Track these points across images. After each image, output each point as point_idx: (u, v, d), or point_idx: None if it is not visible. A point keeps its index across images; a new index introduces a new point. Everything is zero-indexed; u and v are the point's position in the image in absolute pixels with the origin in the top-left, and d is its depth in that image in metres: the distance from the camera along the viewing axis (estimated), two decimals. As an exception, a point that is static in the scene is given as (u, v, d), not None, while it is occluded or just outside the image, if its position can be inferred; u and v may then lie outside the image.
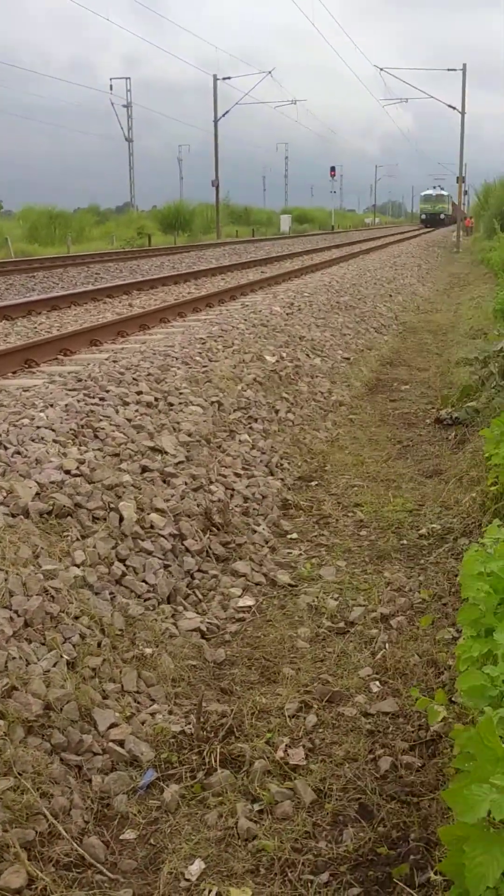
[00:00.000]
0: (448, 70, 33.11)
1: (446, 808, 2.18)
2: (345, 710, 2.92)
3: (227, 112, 38.42)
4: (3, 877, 2.10)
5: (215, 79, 37.57)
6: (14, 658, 2.73)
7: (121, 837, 2.38)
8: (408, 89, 67.84)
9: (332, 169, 55.39)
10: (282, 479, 5.48)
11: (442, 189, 66.50)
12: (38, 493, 3.73)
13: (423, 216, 66.06)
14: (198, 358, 6.84)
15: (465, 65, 31.92)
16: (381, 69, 33.07)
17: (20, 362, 6.58)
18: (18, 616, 2.93)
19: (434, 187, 66.88)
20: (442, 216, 65.27)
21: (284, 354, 7.95)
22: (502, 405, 6.19)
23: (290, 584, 4.06)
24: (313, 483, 5.59)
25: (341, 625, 3.61)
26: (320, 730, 2.83)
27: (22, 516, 3.51)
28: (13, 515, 3.50)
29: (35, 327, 9.19)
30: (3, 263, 19.18)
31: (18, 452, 4.10)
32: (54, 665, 2.83)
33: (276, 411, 6.56)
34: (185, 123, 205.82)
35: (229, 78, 38.18)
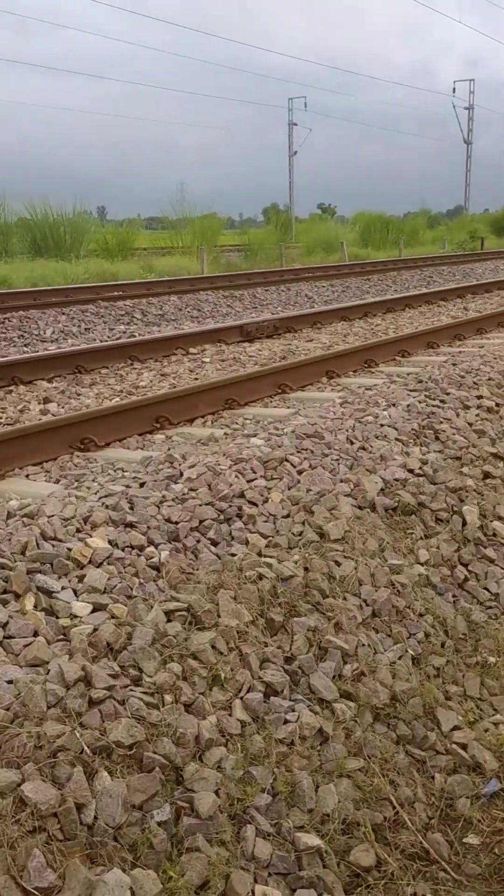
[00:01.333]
0: None
1: None
2: None
3: None
4: (353, 853, 2.18)
5: None
6: (363, 645, 2.82)
7: (464, 840, 2.36)
8: None
9: None
10: None
11: None
12: (382, 489, 3.81)
13: None
14: (541, 364, 6.53)
15: None
16: None
17: (360, 362, 6.78)
18: (367, 605, 3.02)
19: None
20: None
21: None
22: None
23: None
24: None
25: None
26: None
27: (369, 510, 3.62)
28: (360, 507, 3.61)
29: (372, 328, 9.41)
30: (339, 267, 19.90)
31: (364, 448, 4.22)
32: (399, 658, 2.88)
33: None
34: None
35: None
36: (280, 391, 5.86)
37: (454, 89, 46.17)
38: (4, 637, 2.37)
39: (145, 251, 23.30)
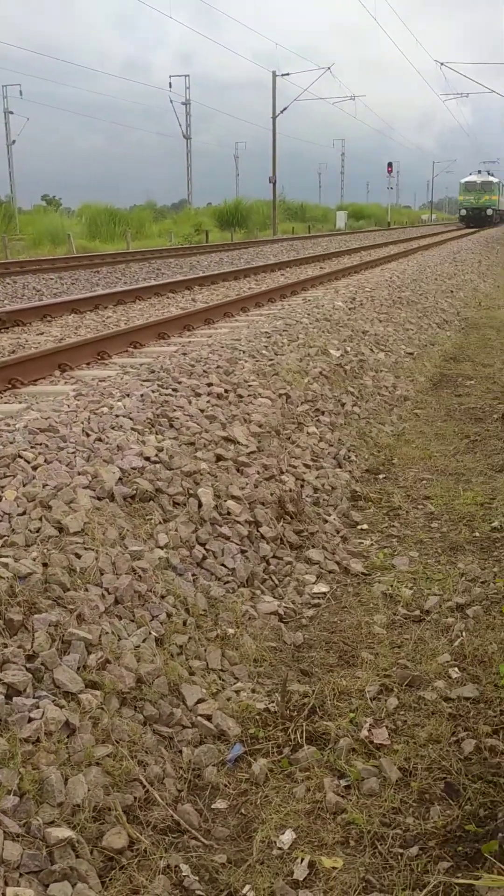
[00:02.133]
0: (511, 63, 32.58)
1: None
2: (425, 695, 2.96)
3: (285, 109, 38.43)
4: (105, 837, 2.20)
5: (274, 75, 37.59)
6: (107, 633, 2.84)
7: (213, 807, 2.47)
8: (468, 84, 65.50)
9: (390, 165, 54.95)
10: (350, 472, 5.52)
11: (491, 175, 51.26)
12: (120, 478, 3.84)
13: (464, 211, 50.48)
14: (264, 351, 6.91)
15: (528, 58, 31.42)
16: (442, 63, 32.69)
17: (93, 354, 6.74)
18: (109, 593, 3.04)
19: (479, 171, 52.03)
20: (490, 211, 49.16)
21: (349, 349, 7.98)
22: None
23: (363, 573, 4.11)
24: (381, 476, 5.62)
25: (417, 613, 3.65)
26: (402, 712, 2.88)
27: (108, 499, 3.63)
28: (99, 498, 3.61)
29: (103, 320, 9.38)
30: (67, 259, 19.53)
31: (100, 439, 4.22)
32: (144, 641, 2.93)
33: (343, 405, 6.60)
34: (241, 120, 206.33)
35: (288, 74, 38.20)
36: (10, 386, 5.67)
37: (170, 84, 46.70)
38: None
39: None
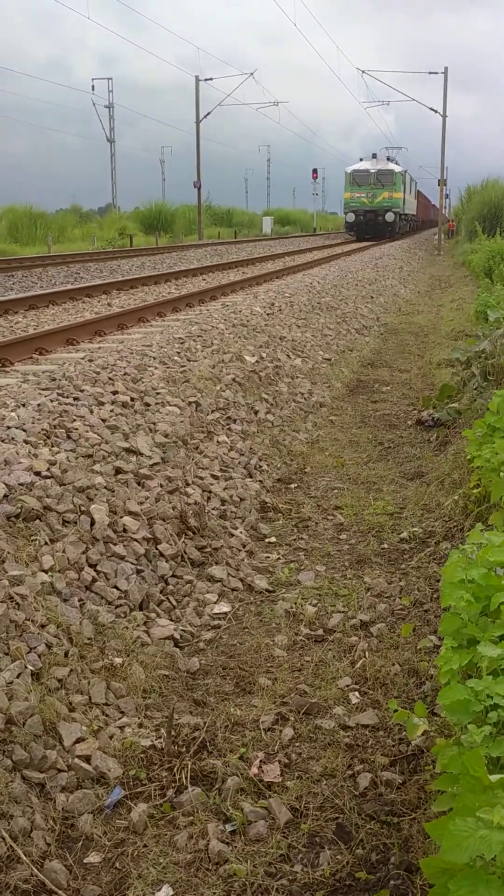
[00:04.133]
0: (430, 73, 33.18)
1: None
2: (323, 723, 2.80)
3: (208, 113, 38.27)
4: (-45, 907, 1.96)
5: (197, 80, 37.42)
6: (-26, 670, 2.59)
7: (84, 861, 2.25)
8: (389, 92, 65.97)
9: (314, 171, 55.27)
10: (261, 482, 5.36)
11: (393, 162, 36.89)
12: (5, 496, 3.58)
13: (350, 216, 35.38)
14: (176, 358, 6.71)
15: (446, 68, 31.94)
16: (363, 72, 33.01)
17: (-7, 361, 6.42)
18: (-20, 625, 2.79)
19: (374, 156, 36.31)
20: (390, 216, 34.36)
21: (264, 355, 7.83)
22: (484, 406, 6.10)
23: (267, 590, 3.94)
24: (293, 485, 5.48)
25: (320, 632, 3.49)
26: (297, 744, 2.71)
27: (-12, 520, 3.37)
28: (-21, 519, 3.35)
29: (11, 326, 9.01)
30: (-19, 262, 18.91)
31: (-14, 453, 3.95)
32: (18, 676, 2.69)
33: (256, 412, 6.44)
34: (166, 124, 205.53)
35: (211, 79, 38.02)
36: None
37: (93, 87, 46.09)
38: None
39: None
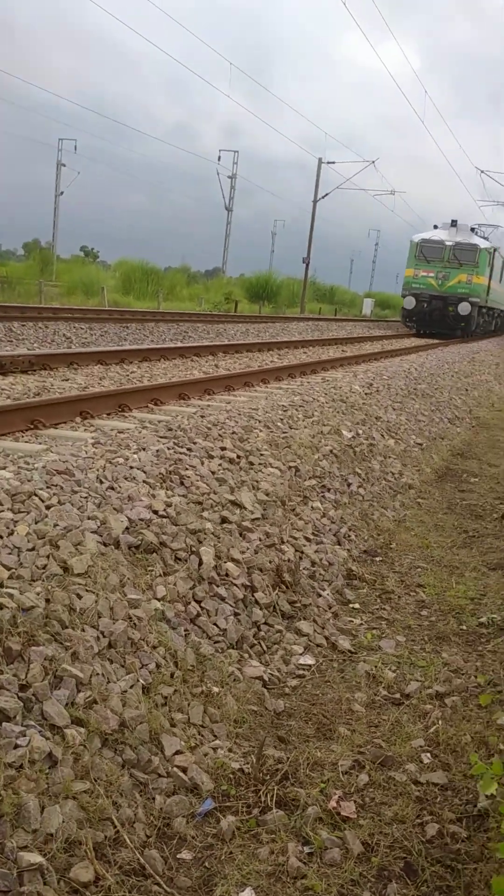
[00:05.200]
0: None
1: (491, 876, 2.29)
2: (395, 775, 3.03)
3: (326, 194, 39.68)
4: (74, 870, 2.28)
5: (320, 162, 38.95)
6: (98, 674, 2.94)
7: (178, 856, 2.54)
8: None
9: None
10: (348, 550, 5.65)
11: (479, 235, 29.52)
12: (127, 528, 3.98)
13: (411, 300, 27.79)
14: (279, 423, 7.11)
15: None
16: (482, 171, 33.64)
17: (114, 405, 6.95)
18: (104, 636, 3.15)
19: (453, 224, 27.92)
20: (463, 307, 26.95)
21: (360, 431, 8.18)
22: None
23: (349, 651, 4.20)
24: (378, 558, 5.74)
25: (397, 696, 3.73)
26: (371, 789, 2.95)
27: (113, 546, 3.77)
28: (105, 544, 3.75)
29: (127, 375, 9.63)
30: (98, 311, 20.03)
31: (113, 488, 4.38)
32: (131, 687, 3.03)
33: (349, 484, 6.75)
34: (279, 198, 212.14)
35: (333, 163, 39.54)
36: (32, 427, 5.86)
37: (219, 157, 48.68)
38: None
39: None
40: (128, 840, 2.47)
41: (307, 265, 40.31)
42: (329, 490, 6.36)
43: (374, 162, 38.78)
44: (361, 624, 4.56)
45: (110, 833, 2.47)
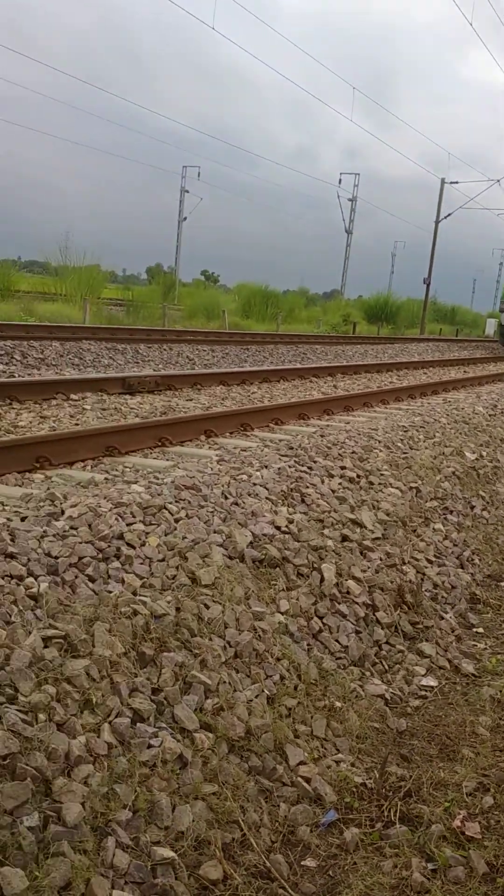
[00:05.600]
0: None
1: None
2: (522, 800, 2.98)
3: (449, 215, 39.25)
4: (203, 867, 2.37)
5: (442, 183, 38.57)
6: (224, 682, 3.04)
7: (302, 863, 2.59)
8: None
9: (547, 278, 54.45)
10: (472, 574, 5.56)
11: None
12: (251, 542, 4.09)
13: None
14: (399, 444, 7.09)
15: None
16: None
17: (237, 424, 7.12)
18: (230, 646, 3.26)
19: None
20: None
21: (485, 454, 8.03)
22: None
23: (473, 675, 4.14)
24: (503, 583, 5.62)
25: (523, 721, 3.65)
26: (496, 812, 2.91)
27: (238, 560, 3.88)
28: (230, 557, 3.87)
29: (248, 395, 9.83)
30: (219, 333, 20.50)
31: (237, 503, 4.50)
32: (256, 697, 3.11)
33: (472, 507, 6.65)
34: (400, 218, 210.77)
35: (456, 182, 39.07)
36: (160, 444, 6.09)
37: (340, 180, 49.14)
38: None
39: (27, 294, 23.17)
40: (254, 843, 2.54)
41: (428, 285, 39.87)
42: (451, 512, 6.28)
43: (499, 181, 38.05)
44: (486, 648, 4.49)
45: (237, 835, 2.55)
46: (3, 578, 3.01)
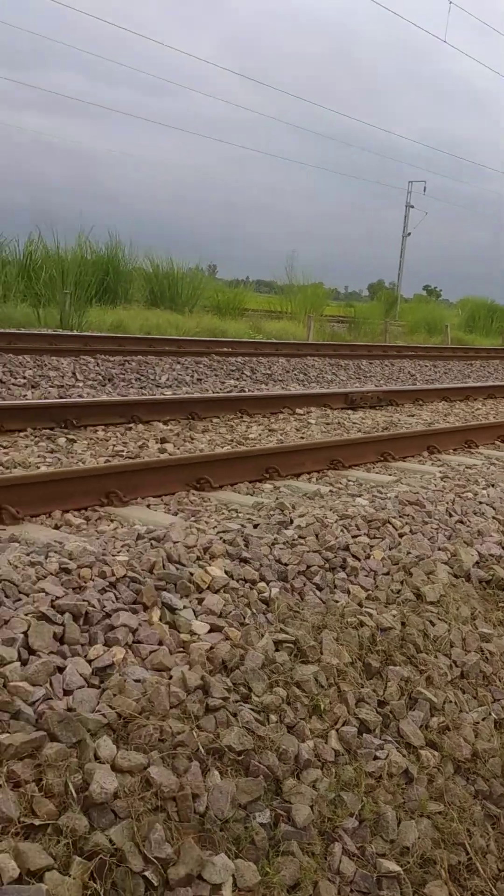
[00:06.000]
0: None
1: None
2: None
3: None
4: (428, 886, 2.35)
5: None
6: (450, 702, 3.00)
7: (532, 897, 2.49)
8: None
9: None
10: None
11: None
12: (477, 562, 3.99)
13: None
14: None
15: None
16: None
17: (461, 441, 6.97)
18: (456, 666, 3.20)
19: None
20: None
21: None
22: None
23: None
24: None
25: None
26: None
27: (463, 579, 3.80)
28: (455, 576, 3.80)
29: (472, 411, 9.58)
30: (442, 349, 20.14)
31: (462, 522, 4.41)
32: (483, 719, 3.04)
33: None
34: None
35: None
36: (382, 459, 6.11)
37: None
38: (134, 641, 2.66)
39: (255, 312, 24.09)
40: (481, 869, 2.49)
41: None
42: None
43: None
44: None
45: (463, 858, 2.50)
46: (238, 581, 3.17)
